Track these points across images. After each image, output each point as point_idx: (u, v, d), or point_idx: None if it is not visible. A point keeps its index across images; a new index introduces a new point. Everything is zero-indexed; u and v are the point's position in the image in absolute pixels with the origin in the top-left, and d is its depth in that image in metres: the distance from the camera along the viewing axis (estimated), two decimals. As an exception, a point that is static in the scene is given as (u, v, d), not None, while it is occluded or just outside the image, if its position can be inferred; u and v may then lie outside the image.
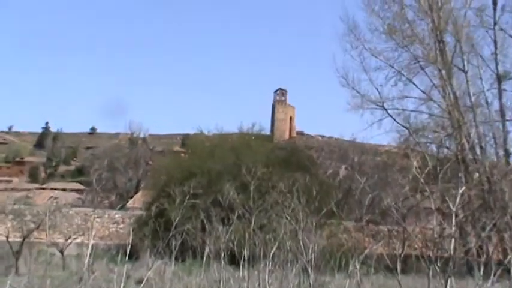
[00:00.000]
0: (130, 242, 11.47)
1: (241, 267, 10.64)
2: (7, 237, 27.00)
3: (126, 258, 9.97)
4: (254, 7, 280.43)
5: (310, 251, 10.15)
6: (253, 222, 12.06)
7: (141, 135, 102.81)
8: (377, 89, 34.52)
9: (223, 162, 35.72)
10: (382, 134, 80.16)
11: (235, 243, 11.21)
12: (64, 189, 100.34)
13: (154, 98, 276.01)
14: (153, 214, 21.89)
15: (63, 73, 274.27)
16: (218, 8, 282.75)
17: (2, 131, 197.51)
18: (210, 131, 59.03)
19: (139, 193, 63.24)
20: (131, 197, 68.97)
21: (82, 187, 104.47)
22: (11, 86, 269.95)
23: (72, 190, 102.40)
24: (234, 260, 11.08)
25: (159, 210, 23.22)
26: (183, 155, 60.74)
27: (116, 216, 54.28)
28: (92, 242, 11.13)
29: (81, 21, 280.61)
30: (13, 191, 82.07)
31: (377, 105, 34.32)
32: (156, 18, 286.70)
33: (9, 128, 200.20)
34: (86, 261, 10.12)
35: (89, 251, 9.97)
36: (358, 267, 9.56)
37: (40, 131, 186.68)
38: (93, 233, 19.57)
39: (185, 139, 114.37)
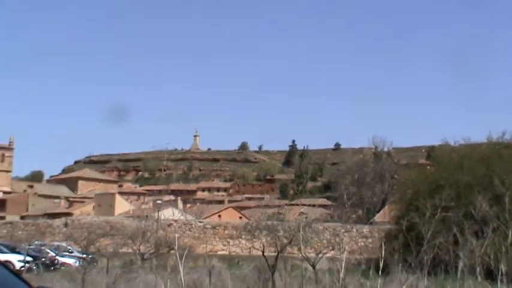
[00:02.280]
0: (382, 256, 11.46)
1: (498, 282, 10.13)
2: (263, 252, 28.38)
3: (377, 272, 9.98)
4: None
5: None
6: (510, 236, 11.43)
7: (385, 149, 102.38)
8: None
9: (472, 174, 34.41)
10: None
11: (491, 257, 10.70)
12: (312, 205, 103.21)
13: (397, 110, 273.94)
14: (404, 228, 21.63)
15: (303, 91, 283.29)
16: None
17: (254, 151, 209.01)
18: (456, 141, 57.04)
19: (386, 207, 62.94)
20: (378, 211, 68.87)
21: (329, 203, 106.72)
22: (261, 108, 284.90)
23: (320, 206, 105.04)
24: (490, 275, 10.57)
25: (409, 224, 22.91)
26: (429, 167, 59.43)
27: (364, 230, 54.58)
28: (343, 256, 11.31)
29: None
30: (265, 207, 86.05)
31: None
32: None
33: (260, 148, 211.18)
34: (341, 276, 10.30)
35: (342, 265, 10.14)
36: None
37: (288, 149, 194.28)
38: (345, 247, 19.83)
39: (430, 151, 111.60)
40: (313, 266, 29.36)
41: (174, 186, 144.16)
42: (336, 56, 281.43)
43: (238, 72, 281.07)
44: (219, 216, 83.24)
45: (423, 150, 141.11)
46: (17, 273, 3.93)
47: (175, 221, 62.10)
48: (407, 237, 15.14)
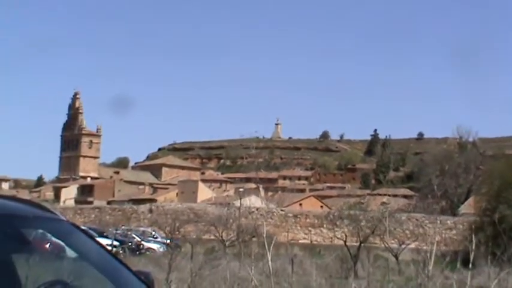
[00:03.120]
0: (470, 249, 11.24)
1: None
2: (345, 241, 28.33)
3: (462, 265, 9.81)
4: None
5: None
6: None
7: (470, 139, 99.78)
8: None
9: None
10: None
11: None
12: (395, 195, 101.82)
13: (482, 99, 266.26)
14: (493, 220, 21.09)
15: (384, 79, 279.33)
16: None
17: (335, 140, 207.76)
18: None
19: (471, 199, 61.44)
20: (462, 203, 67.33)
21: (412, 193, 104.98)
22: (342, 97, 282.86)
23: (402, 196, 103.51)
24: None
25: (499, 216, 22.35)
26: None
27: (449, 222, 53.49)
28: (427, 247, 11.15)
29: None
30: (347, 197, 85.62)
31: None
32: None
33: (341, 137, 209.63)
34: (429, 268, 10.16)
35: (428, 257, 10.01)
36: None
37: (369, 138, 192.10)
38: (429, 239, 19.51)
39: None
40: (396, 257, 29.09)
41: (256, 174, 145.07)
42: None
43: (319, 60, 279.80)
44: (300, 204, 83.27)
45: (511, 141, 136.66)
46: (119, 259, 4.09)
47: (257, 208, 62.57)
48: (497, 229, 14.75)
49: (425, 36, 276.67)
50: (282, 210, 65.30)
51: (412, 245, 33.42)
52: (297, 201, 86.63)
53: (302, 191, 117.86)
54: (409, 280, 21.03)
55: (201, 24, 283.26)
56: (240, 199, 60.77)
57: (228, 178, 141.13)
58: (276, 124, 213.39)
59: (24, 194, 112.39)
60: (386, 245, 28.76)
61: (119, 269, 3.84)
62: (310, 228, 59.98)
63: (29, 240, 3.89)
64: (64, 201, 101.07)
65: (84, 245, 3.88)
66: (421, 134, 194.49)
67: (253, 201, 68.20)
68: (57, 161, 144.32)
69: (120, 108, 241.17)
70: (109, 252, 4.06)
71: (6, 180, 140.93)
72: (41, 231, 3.94)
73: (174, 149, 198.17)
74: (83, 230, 4.06)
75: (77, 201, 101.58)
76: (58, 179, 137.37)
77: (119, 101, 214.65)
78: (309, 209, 71.25)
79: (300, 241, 54.17)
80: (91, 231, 37.98)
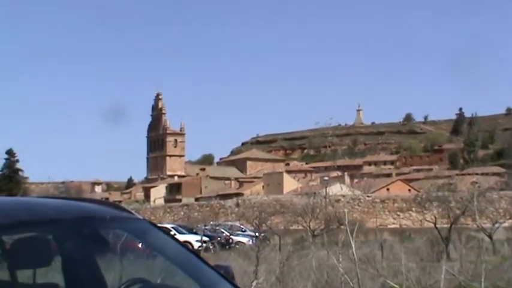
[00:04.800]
0: None
1: None
2: (435, 223, 27.75)
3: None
4: None
5: None
6: None
7: None
8: None
9: None
10: None
11: None
12: (485, 174, 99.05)
13: None
14: None
15: (467, 54, 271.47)
16: None
17: (419, 122, 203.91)
18: None
19: None
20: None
21: (503, 170, 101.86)
22: (424, 77, 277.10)
23: (493, 174, 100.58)
24: None
25: None
26: None
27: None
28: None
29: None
30: (435, 178, 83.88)
31: None
32: None
33: (425, 118, 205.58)
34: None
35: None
36: None
37: (455, 117, 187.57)
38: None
39: None
40: (490, 237, 28.26)
41: (340, 162, 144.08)
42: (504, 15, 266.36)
43: (396, 42, 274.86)
44: (387, 189, 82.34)
45: None
46: (196, 254, 4.12)
47: (343, 196, 62.19)
48: None
49: None
50: (368, 196, 64.67)
51: (506, 224, 32.45)
52: (384, 186, 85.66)
53: (388, 175, 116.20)
54: (504, 259, 20.43)
55: (284, 17, 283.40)
56: (326, 188, 60.50)
57: (313, 167, 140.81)
58: (358, 110, 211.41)
59: (116, 196, 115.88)
60: (479, 225, 27.98)
61: (197, 265, 3.86)
62: (398, 213, 59.22)
63: (108, 241, 3.98)
64: (154, 201, 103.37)
65: (161, 243, 3.93)
66: (509, 109, 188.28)
67: (339, 189, 67.79)
68: (144, 161, 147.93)
69: (202, 105, 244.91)
70: (187, 248, 4.09)
71: (98, 184, 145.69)
72: (119, 231, 4.02)
73: (258, 142, 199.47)
74: (160, 228, 4.11)
75: (166, 200, 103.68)
76: (147, 179, 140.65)
77: (200, 99, 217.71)
78: (397, 193, 70.31)
79: (389, 226, 53.58)
80: (181, 229, 38.86)
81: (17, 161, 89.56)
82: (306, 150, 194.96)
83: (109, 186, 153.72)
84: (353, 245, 10.18)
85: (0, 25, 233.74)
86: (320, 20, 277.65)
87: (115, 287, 3.67)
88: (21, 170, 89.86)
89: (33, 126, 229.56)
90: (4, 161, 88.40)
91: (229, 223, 49.52)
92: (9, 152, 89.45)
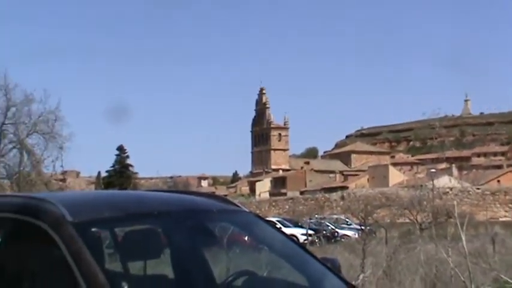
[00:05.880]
0: None
1: None
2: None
3: None
4: None
5: None
6: None
7: None
8: None
9: None
10: None
11: None
12: None
13: None
14: None
15: None
16: None
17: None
18: None
19: None
20: None
21: None
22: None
23: None
24: None
25: None
26: None
27: None
28: None
29: None
30: None
31: None
32: None
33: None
34: None
35: None
36: None
37: None
38: None
39: None
40: None
41: (447, 153, 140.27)
42: None
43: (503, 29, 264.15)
44: (498, 181, 79.57)
45: None
46: (303, 247, 4.11)
47: (451, 188, 60.54)
48: None
49: None
50: (477, 188, 62.64)
51: None
52: (494, 178, 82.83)
53: (499, 167, 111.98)
54: None
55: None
56: (433, 180, 59.06)
57: (419, 160, 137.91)
58: (465, 100, 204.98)
59: (221, 190, 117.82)
60: None
61: (304, 258, 3.85)
62: (510, 205, 57.06)
63: (215, 234, 4.03)
64: (259, 195, 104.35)
65: (268, 236, 3.94)
66: None
67: (447, 182, 66.02)
68: (249, 156, 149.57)
69: (305, 98, 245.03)
70: (294, 241, 4.09)
71: (205, 178, 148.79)
72: (226, 223, 4.07)
73: (362, 135, 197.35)
74: (266, 221, 4.13)
75: (271, 194, 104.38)
76: (252, 174, 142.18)
77: (303, 92, 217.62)
78: (508, 185, 67.74)
79: (500, 219, 51.69)
80: (286, 222, 39.07)
81: (127, 156, 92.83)
82: (411, 142, 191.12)
83: (215, 181, 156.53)
84: (463, 238, 9.87)
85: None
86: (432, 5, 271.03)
87: (222, 279, 3.71)
88: (131, 166, 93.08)
89: (142, 123, 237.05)
90: (115, 156, 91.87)
91: (335, 216, 49.33)
92: (120, 148, 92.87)
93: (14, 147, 35.07)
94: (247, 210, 4.10)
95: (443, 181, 64.92)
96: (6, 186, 33.60)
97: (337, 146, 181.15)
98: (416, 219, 37.09)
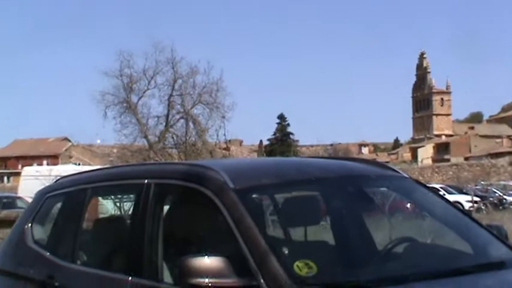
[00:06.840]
0: None
1: None
2: None
3: None
4: None
5: None
6: None
7: None
8: None
9: None
10: None
11: None
12: None
13: None
14: None
15: None
16: None
17: None
18: None
19: None
20: None
21: None
22: None
23: None
24: None
25: None
26: None
27: None
28: None
29: None
30: None
31: None
32: None
33: None
34: None
35: None
36: None
37: None
38: None
39: None
40: None
41: None
42: None
43: None
44: None
45: None
46: (467, 214, 3.97)
47: None
48: None
49: None
50: None
51: None
52: None
53: None
54: None
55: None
56: None
57: None
58: None
59: (382, 157, 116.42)
60: None
61: (468, 225, 3.72)
62: None
63: (373, 199, 3.99)
64: (421, 161, 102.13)
65: (429, 202, 3.85)
66: None
67: None
68: (410, 122, 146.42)
69: (469, 60, 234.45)
70: (458, 208, 3.95)
71: (365, 145, 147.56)
72: (384, 189, 4.01)
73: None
74: (427, 187, 4.02)
75: (433, 160, 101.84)
76: (413, 140, 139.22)
77: (468, 54, 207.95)
78: None
79: None
80: (450, 189, 37.92)
81: (288, 124, 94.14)
82: None
83: (376, 148, 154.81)
84: None
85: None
86: None
87: (383, 245, 3.67)
88: (292, 134, 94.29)
89: (302, 90, 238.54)
90: (276, 125, 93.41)
91: (502, 183, 47.18)
92: (281, 117, 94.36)
93: (181, 117, 36.60)
94: (406, 176, 4.01)
95: None
96: (175, 155, 35.25)
97: (503, 109, 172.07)
98: None
